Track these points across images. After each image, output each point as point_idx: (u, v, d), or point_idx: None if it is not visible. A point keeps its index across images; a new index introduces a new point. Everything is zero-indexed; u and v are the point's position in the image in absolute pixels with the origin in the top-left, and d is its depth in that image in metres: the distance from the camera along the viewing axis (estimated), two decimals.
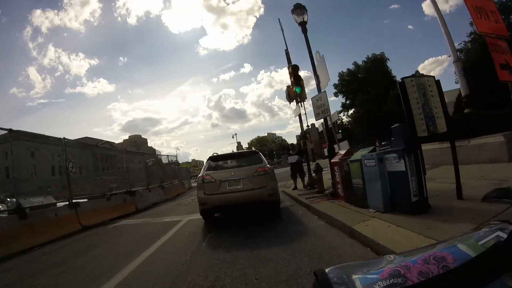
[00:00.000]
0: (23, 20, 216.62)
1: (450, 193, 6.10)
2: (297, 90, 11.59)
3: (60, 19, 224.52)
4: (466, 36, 39.20)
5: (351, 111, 69.15)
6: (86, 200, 12.09)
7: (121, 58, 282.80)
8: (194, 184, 27.71)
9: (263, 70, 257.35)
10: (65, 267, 5.56)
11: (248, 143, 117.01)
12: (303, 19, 9.78)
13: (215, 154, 9.03)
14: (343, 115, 69.18)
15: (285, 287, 3.45)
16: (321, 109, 8.94)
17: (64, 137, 11.40)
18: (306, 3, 10.06)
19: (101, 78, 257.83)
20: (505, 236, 0.86)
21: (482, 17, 7.65)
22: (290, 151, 13.66)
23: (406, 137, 5.45)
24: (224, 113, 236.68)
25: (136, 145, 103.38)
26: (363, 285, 0.82)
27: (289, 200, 10.54)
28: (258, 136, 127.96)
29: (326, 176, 10.57)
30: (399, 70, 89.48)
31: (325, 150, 10.74)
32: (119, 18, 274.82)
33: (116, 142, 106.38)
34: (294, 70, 11.77)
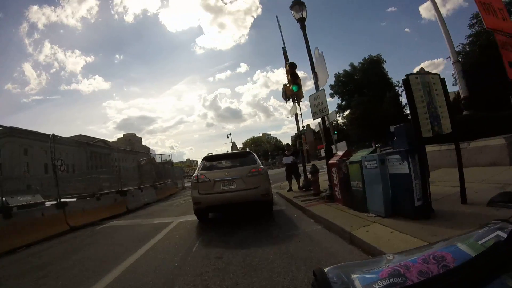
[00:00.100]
0: (19, 16, 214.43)
1: (453, 197, 5.87)
2: (294, 88, 11.27)
3: (57, 16, 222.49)
4: (465, 39, 39.33)
5: (346, 112, 69.29)
6: (75, 199, 11.73)
7: (117, 56, 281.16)
8: (187, 184, 27.51)
9: (259, 70, 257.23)
10: (47, 270, 5.30)
11: (243, 143, 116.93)
12: (302, 15, 9.48)
13: (209, 154, 9.08)
14: (339, 117, 69.32)
15: None
16: (318, 108, 8.61)
17: (53, 134, 11.01)
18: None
19: (96, 76, 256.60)
20: (505, 235, 0.85)
21: (490, 14, 7.41)
22: (286, 152, 13.31)
23: (409, 138, 5.15)
24: (219, 112, 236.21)
25: (131, 143, 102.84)
26: (362, 285, 0.82)
27: (284, 203, 10.22)
28: (253, 137, 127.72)
29: (322, 177, 10.33)
30: (395, 73, 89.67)
31: (322, 151, 10.37)
32: (116, 16, 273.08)
33: (111, 140, 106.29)
34: (291, 68, 11.44)
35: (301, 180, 12.26)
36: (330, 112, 8.65)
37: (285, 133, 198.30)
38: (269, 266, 4.12)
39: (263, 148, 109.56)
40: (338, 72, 68.51)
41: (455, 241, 0.92)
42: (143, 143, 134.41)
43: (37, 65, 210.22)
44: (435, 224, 4.45)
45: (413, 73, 5.52)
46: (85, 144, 15.96)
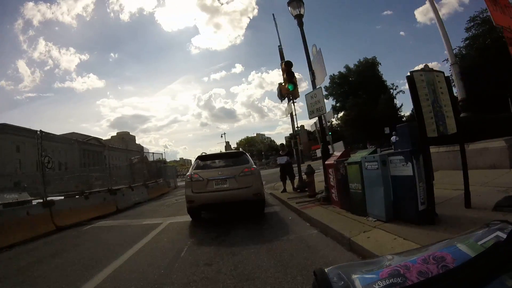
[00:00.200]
0: (15, 12, 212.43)
1: (455, 201, 5.60)
2: (290, 87, 10.95)
3: (52, 13, 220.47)
4: (461, 42, 39.41)
5: (341, 114, 69.21)
6: (62, 198, 11.43)
7: (112, 54, 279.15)
8: (180, 183, 27.16)
9: (254, 71, 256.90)
10: (26, 275, 5.02)
11: (237, 143, 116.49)
12: (299, 12, 9.16)
13: (203, 154, 9.21)
14: (333, 117, 69.29)
15: None
16: (315, 107, 8.28)
17: (40, 130, 10.66)
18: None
19: (91, 74, 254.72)
20: (504, 236, 0.84)
21: (497, 10, 7.19)
22: (280, 152, 12.92)
23: (413, 138, 4.84)
24: (213, 112, 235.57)
25: (124, 142, 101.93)
26: (362, 285, 0.80)
27: (278, 204, 9.86)
28: (247, 137, 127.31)
29: (317, 178, 10.01)
30: (389, 75, 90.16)
31: (318, 151, 10.07)
32: (112, 14, 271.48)
33: (104, 138, 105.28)
34: (287, 66, 11.13)
35: (296, 180, 11.96)
36: (327, 111, 8.31)
37: (279, 133, 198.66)
38: (262, 276, 3.78)
39: (257, 148, 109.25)
40: (333, 74, 68.53)
41: (455, 241, 0.91)
42: (137, 142, 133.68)
43: (31, 62, 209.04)
44: (440, 230, 4.16)
45: (417, 70, 5.21)
46: (75, 141, 15.43)
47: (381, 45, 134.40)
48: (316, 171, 10.01)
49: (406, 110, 66.96)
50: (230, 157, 8.94)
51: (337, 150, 8.18)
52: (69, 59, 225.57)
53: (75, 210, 10.85)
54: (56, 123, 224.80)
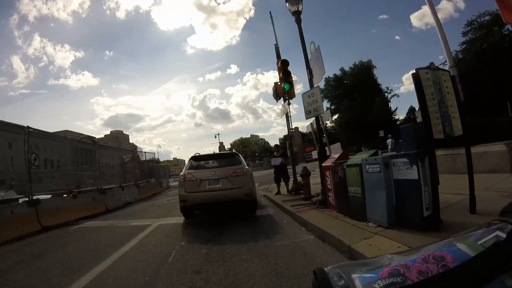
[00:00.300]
0: (10, 7, 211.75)
1: (458, 206, 5.40)
2: (286, 87, 10.65)
3: (48, 9, 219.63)
4: (458, 45, 39.52)
5: (335, 116, 69.12)
6: (49, 196, 11.06)
7: (107, 52, 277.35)
8: (173, 184, 26.79)
9: (249, 72, 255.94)
10: (4, 278, 4.76)
11: (231, 144, 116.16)
12: (298, 8, 8.84)
13: (197, 154, 9.39)
14: (330, 118, 69.32)
15: None
16: (312, 107, 7.96)
17: (27, 126, 10.34)
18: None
19: (85, 71, 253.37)
20: (504, 235, 0.84)
21: (506, 8, 6.98)
22: (274, 153, 12.59)
23: (418, 139, 4.56)
24: (208, 113, 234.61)
25: (118, 140, 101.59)
26: (362, 284, 0.80)
27: (272, 207, 9.54)
28: (241, 138, 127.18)
29: (312, 180, 9.72)
30: (384, 79, 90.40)
31: (314, 153, 9.76)
32: (108, 11, 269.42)
33: (98, 137, 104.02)
34: (283, 65, 10.81)
35: (290, 183, 11.64)
36: (324, 111, 8.01)
37: (273, 135, 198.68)
38: (255, 287, 3.45)
39: (251, 149, 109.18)
40: (329, 76, 68.30)
41: (455, 241, 0.91)
42: (131, 141, 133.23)
43: (26, 58, 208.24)
44: (447, 237, 3.83)
45: (423, 68, 4.95)
46: (65, 139, 14.97)
47: (376, 49, 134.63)
48: (311, 173, 9.72)
49: (401, 114, 67.26)
50: (223, 157, 9.11)
51: (334, 152, 7.87)
52: (64, 56, 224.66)
53: (63, 209, 10.51)
54: (50, 120, 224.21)
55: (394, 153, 5.73)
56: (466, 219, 4.59)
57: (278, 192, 11.53)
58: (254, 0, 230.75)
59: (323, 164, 7.36)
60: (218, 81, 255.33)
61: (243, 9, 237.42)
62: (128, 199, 15.90)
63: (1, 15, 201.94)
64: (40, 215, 9.38)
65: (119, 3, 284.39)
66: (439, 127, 4.64)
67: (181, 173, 8.52)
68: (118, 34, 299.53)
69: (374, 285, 0.79)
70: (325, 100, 68.85)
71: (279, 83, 11.42)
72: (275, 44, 12.83)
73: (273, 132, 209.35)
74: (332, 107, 68.68)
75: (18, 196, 9.92)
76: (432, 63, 4.65)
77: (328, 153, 8.21)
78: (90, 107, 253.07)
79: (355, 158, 5.87)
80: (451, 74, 10.40)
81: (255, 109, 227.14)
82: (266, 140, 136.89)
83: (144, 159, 23.99)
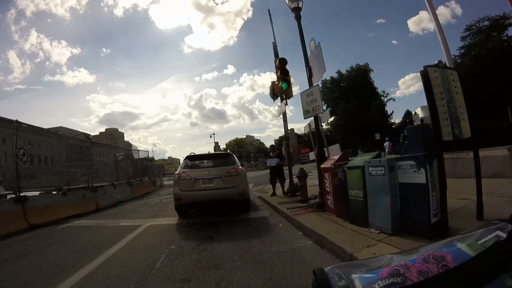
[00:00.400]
0: (8, 2, 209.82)
1: (463, 211, 5.19)
2: (284, 86, 10.37)
3: (46, 4, 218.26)
4: (456, 50, 39.51)
5: (331, 119, 68.97)
6: (37, 193, 10.73)
7: (104, 49, 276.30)
8: (167, 183, 26.47)
9: (246, 73, 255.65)
10: None
11: (226, 144, 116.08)
12: (298, 4, 8.54)
13: (192, 154, 9.60)
14: (329, 119, 69.18)
15: None
16: (311, 106, 7.66)
17: (16, 120, 10.01)
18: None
19: (82, 68, 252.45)
20: (504, 235, 0.84)
21: None
22: (270, 153, 12.31)
23: (425, 141, 4.26)
24: (204, 112, 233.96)
25: (113, 138, 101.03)
26: (362, 285, 0.81)
27: (267, 209, 9.22)
28: (237, 138, 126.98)
29: (308, 182, 9.43)
30: (380, 83, 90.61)
31: (311, 155, 9.48)
32: (106, 9, 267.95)
33: (93, 134, 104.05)
34: (281, 64, 10.52)
35: (286, 184, 11.34)
36: (323, 111, 7.70)
37: (269, 136, 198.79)
38: None
39: (246, 150, 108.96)
40: (325, 79, 68.10)
41: (455, 241, 0.90)
42: (126, 139, 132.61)
43: (22, 54, 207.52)
44: None
45: (432, 65, 4.66)
46: (54, 134, 14.61)
47: (373, 53, 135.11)
48: (309, 174, 9.43)
49: (397, 117, 67.19)
50: (218, 157, 9.45)
51: (333, 153, 7.56)
52: (61, 52, 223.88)
53: (51, 207, 10.23)
54: (45, 116, 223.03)
55: (393, 156, 5.40)
56: (473, 225, 4.28)
57: (274, 194, 11.24)
58: (253, 1, 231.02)
59: (321, 166, 7.05)
60: (215, 81, 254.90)
61: (241, 10, 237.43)
62: (120, 197, 15.62)
63: None
64: (28, 213, 9.10)
65: (117, 0, 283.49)
66: (448, 129, 4.36)
67: (176, 172, 8.72)
68: (115, 32, 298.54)
69: (374, 285, 0.79)
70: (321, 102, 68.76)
71: (276, 82, 11.14)
72: (273, 42, 12.52)
73: (269, 133, 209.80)
74: (329, 109, 68.47)
75: (7, 192, 9.52)
76: (440, 61, 4.40)
77: (326, 155, 7.89)
78: (85, 104, 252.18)
79: (357, 160, 5.56)
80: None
81: (251, 110, 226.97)
82: (261, 141, 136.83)
83: (137, 157, 23.60)
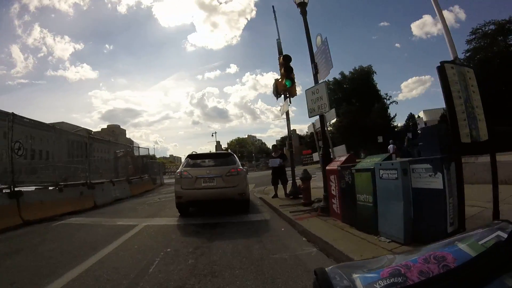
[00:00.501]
0: None
1: (478, 220, 4.91)
2: (287, 83, 10.06)
3: None
4: (462, 54, 39.19)
5: (334, 120, 68.47)
6: (33, 189, 10.46)
7: (106, 46, 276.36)
8: (167, 181, 26.19)
9: (248, 72, 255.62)
10: None
11: (228, 143, 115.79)
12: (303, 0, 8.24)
13: (194, 153, 9.78)
14: (335, 118, 68.75)
15: None
16: (317, 104, 7.31)
17: (12, 113, 9.78)
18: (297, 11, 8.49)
19: (84, 64, 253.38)
20: (505, 235, 0.83)
21: None
22: (272, 154, 11.99)
23: (442, 142, 3.94)
24: (206, 111, 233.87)
25: (114, 135, 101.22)
26: (363, 284, 0.80)
27: (268, 211, 8.88)
28: (238, 137, 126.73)
29: (311, 184, 9.10)
30: (383, 86, 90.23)
31: (315, 156, 9.16)
32: (109, 5, 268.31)
33: (94, 130, 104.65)
34: (285, 61, 10.22)
35: (289, 186, 11.01)
36: (329, 110, 7.36)
37: (271, 136, 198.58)
38: None
39: (247, 149, 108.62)
40: (328, 80, 67.53)
41: (456, 241, 0.90)
42: (127, 136, 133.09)
43: (25, 48, 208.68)
44: None
45: (448, 61, 4.34)
46: (52, 128, 14.38)
47: (376, 55, 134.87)
48: (312, 176, 9.11)
49: (399, 120, 66.65)
50: (219, 157, 9.62)
51: (338, 154, 7.24)
52: (64, 47, 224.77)
53: (47, 203, 10.04)
54: (47, 111, 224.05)
55: (399, 159, 5.02)
56: None
57: (275, 195, 10.94)
58: (256, 1, 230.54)
59: (327, 168, 6.71)
60: (217, 80, 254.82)
61: (245, 9, 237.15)
62: (119, 195, 15.39)
63: (2, 3, 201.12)
64: (22, 208, 8.91)
65: None
66: (466, 130, 4.02)
67: (178, 171, 8.92)
68: (118, 29, 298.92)
69: (375, 285, 0.78)
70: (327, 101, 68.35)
71: (279, 80, 10.88)
72: (277, 39, 12.17)
73: (271, 134, 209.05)
74: (334, 108, 68.04)
75: (2, 186, 9.26)
76: (456, 57, 4.02)
77: (331, 156, 7.56)
78: (88, 100, 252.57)
79: (366, 162, 5.21)
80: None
81: (253, 109, 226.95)
82: (263, 141, 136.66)
83: (138, 154, 23.33)
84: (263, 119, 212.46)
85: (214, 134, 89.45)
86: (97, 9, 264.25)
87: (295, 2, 8.34)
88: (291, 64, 10.29)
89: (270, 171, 12.07)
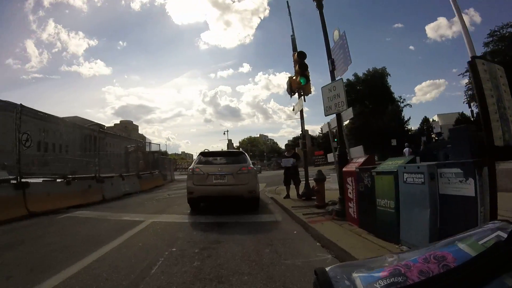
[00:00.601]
0: None
1: None
2: (302, 81, 9.73)
3: None
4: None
5: (346, 122, 67.68)
6: (40, 180, 10.37)
7: (120, 42, 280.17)
8: (178, 177, 26.07)
9: (261, 72, 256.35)
10: None
11: (240, 142, 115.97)
12: None
13: (206, 150, 10.08)
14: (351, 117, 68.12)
15: None
16: (333, 102, 6.94)
17: (20, 104, 9.73)
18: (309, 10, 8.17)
19: (98, 60, 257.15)
20: (505, 235, 0.80)
21: None
22: (285, 153, 11.68)
23: (474, 145, 3.58)
24: (218, 109, 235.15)
25: (127, 130, 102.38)
26: (363, 284, 0.80)
27: (280, 212, 8.57)
28: (250, 136, 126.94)
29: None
30: (396, 88, 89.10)
31: (329, 156, 8.79)
32: (123, 2, 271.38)
33: (107, 125, 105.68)
34: (300, 58, 9.90)
35: (301, 186, 10.68)
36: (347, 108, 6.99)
37: (283, 136, 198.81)
38: None
39: (259, 149, 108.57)
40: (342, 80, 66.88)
41: (456, 241, 0.87)
42: (140, 132, 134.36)
43: (40, 43, 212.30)
44: None
45: (480, 57, 3.98)
46: (60, 120, 14.34)
47: (390, 57, 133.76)
48: (327, 177, 8.76)
49: (413, 124, 65.66)
50: (230, 155, 9.89)
51: (355, 155, 6.87)
52: (78, 43, 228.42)
53: (54, 195, 10.01)
54: (60, 105, 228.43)
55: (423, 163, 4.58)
56: None
57: (287, 196, 10.65)
58: (270, 0, 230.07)
59: (344, 169, 6.35)
60: (230, 78, 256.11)
61: (258, 8, 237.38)
62: (128, 189, 15.42)
63: None
64: (28, 200, 8.88)
65: None
66: (499, 132, 3.64)
67: (190, 167, 9.11)
68: (132, 25, 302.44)
69: (375, 285, 0.77)
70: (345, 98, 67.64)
71: (294, 77, 10.65)
72: (291, 35, 11.90)
73: (283, 134, 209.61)
74: (351, 107, 67.26)
75: (10, 177, 9.22)
76: (485, 53, 3.74)
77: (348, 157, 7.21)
78: (101, 96, 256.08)
79: (387, 164, 4.81)
80: None
81: (265, 109, 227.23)
82: (275, 140, 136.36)
83: (149, 150, 23.31)
84: (275, 119, 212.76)
85: (226, 132, 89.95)
86: (111, 5, 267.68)
87: None
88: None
89: (281, 171, 11.85)
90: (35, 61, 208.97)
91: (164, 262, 4.30)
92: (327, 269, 0.86)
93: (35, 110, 11.12)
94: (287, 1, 12.50)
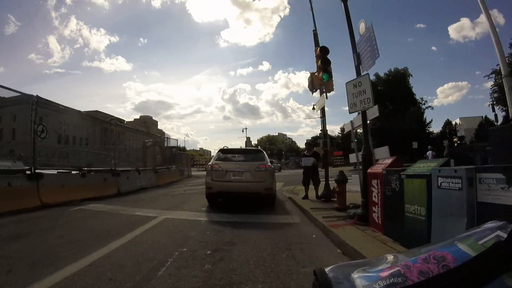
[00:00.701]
0: None
1: None
2: (324, 77, 9.29)
3: None
4: (506, 57, 37.26)
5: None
6: (55, 172, 10.44)
7: (141, 39, 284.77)
8: (195, 173, 26.11)
9: (281, 70, 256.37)
10: None
11: (258, 140, 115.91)
12: None
13: (225, 147, 10.44)
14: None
15: None
16: (359, 98, 6.51)
17: (37, 95, 9.80)
18: (329, 8, 7.75)
19: (119, 56, 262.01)
20: (505, 235, 0.82)
21: None
22: (305, 152, 11.30)
23: None
24: (237, 107, 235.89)
25: (146, 126, 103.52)
26: (363, 285, 0.80)
27: (298, 214, 8.16)
28: (269, 135, 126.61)
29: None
30: (417, 90, 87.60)
31: (352, 157, 8.37)
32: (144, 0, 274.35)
33: (127, 120, 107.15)
34: (322, 53, 9.42)
35: (321, 187, 10.30)
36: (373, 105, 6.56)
37: (301, 135, 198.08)
38: None
39: (277, 147, 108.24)
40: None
41: (455, 241, 0.88)
42: (159, 127, 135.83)
43: (62, 39, 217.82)
44: None
45: None
46: (76, 112, 14.38)
47: (411, 58, 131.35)
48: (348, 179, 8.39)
49: (434, 127, 64.11)
50: (249, 153, 10.04)
51: (380, 157, 6.43)
52: (99, 39, 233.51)
53: (68, 187, 10.13)
54: (82, 100, 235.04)
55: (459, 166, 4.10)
56: None
57: (306, 197, 10.29)
58: None
59: (369, 171, 5.93)
60: (249, 76, 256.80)
61: (278, 7, 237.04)
62: (144, 184, 15.55)
63: None
64: (41, 191, 8.99)
65: None
66: None
67: (209, 163, 9.60)
68: (152, 22, 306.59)
69: (374, 285, 0.77)
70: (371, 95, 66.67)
71: (315, 73, 10.27)
72: (313, 30, 11.44)
73: (301, 133, 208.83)
74: (377, 105, 66.19)
75: (25, 168, 9.24)
76: None
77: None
78: (122, 91, 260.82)
79: (419, 167, 4.35)
80: (509, 84, 9.28)
81: (284, 107, 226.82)
82: (293, 139, 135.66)
83: (167, 145, 23.28)
84: (294, 118, 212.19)
85: (244, 130, 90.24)
86: (132, 3, 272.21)
87: None
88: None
89: (299, 170, 11.62)
90: (57, 56, 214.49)
91: (173, 263, 4.03)
92: (326, 269, 0.88)
93: (52, 102, 11.12)
94: None
